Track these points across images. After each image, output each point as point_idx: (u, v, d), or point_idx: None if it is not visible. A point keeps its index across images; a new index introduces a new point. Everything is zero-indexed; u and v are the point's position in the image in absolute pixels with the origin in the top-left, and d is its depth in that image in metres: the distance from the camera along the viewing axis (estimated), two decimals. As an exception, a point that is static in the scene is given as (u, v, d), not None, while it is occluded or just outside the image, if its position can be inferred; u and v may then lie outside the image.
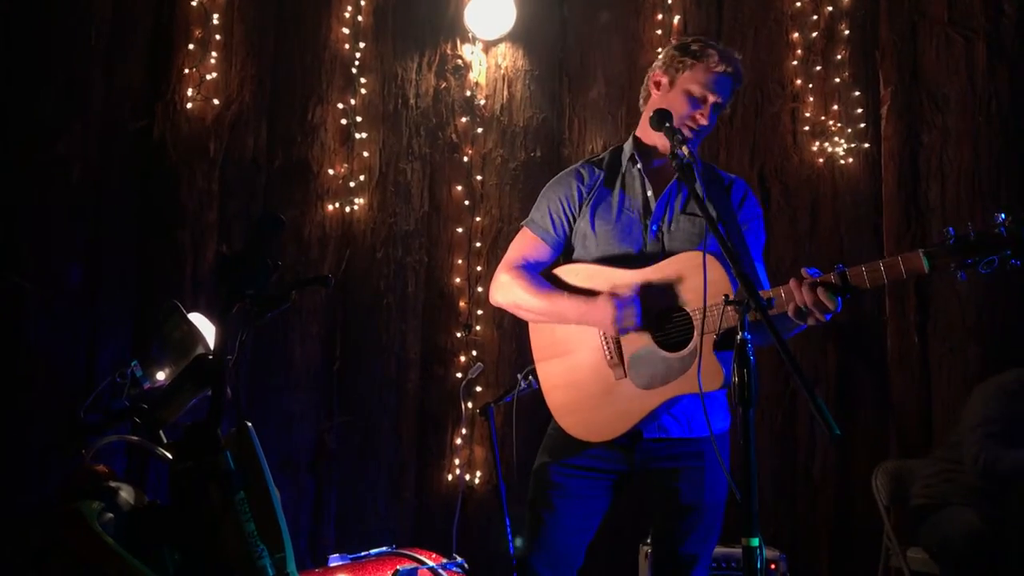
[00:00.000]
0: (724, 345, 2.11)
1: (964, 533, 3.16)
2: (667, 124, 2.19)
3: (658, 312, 2.23)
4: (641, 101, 2.49)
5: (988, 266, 1.82)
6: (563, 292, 2.34)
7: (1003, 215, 1.81)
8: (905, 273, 1.90)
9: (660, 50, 4.17)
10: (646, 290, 2.23)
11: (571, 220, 2.42)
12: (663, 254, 2.30)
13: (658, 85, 2.40)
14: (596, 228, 2.37)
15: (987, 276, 1.85)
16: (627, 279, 2.27)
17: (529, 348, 2.47)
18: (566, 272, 2.40)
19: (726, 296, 1.89)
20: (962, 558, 3.15)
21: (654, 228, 2.33)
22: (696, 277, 2.13)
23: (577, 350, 2.33)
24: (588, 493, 2.34)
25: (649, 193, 2.36)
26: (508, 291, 2.41)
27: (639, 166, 2.39)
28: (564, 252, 2.47)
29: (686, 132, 2.31)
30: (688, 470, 2.29)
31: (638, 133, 2.45)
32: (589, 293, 2.31)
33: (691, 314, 2.16)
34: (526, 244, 2.46)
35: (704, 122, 2.32)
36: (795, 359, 1.68)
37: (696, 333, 2.14)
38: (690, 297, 2.17)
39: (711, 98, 2.32)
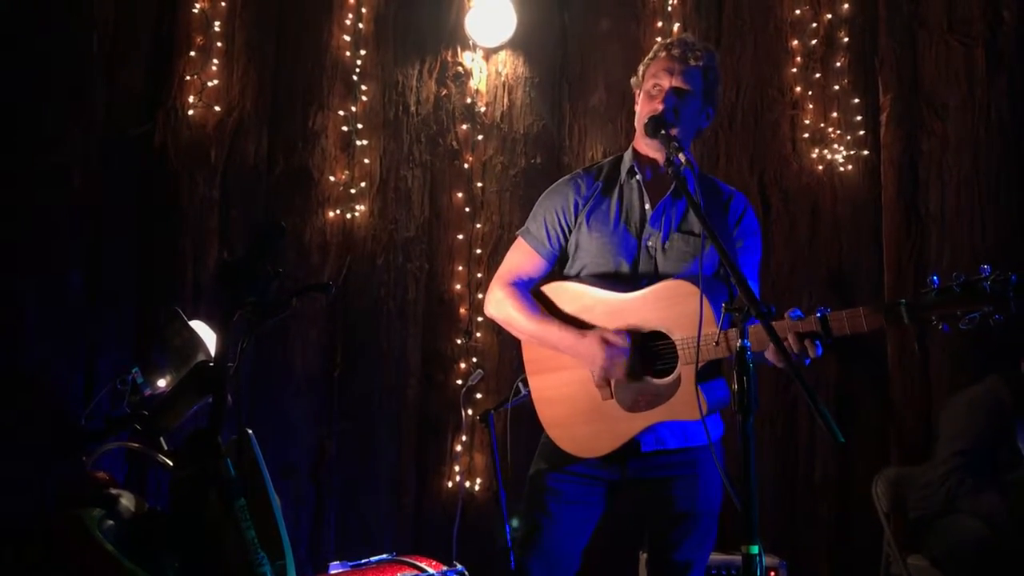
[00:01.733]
0: (705, 375, 2.14)
1: (973, 540, 3.14)
2: (662, 131, 2.21)
3: (643, 337, 2.23)
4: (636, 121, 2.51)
5: (970, 322, 1.81)
6: (555, 320, 2.34)
7: (988, 269, 1.80)
8: (886, 323, 1.91)
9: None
10: (633, 332, 2.23)
11: (567, 231, 2.42)
12: (655, 274, 2.31)
13: (636, 100, 2.46)
14: (592, 240, 2.38)
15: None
16: (613, 305, 2.28)
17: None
18: (556, 291, 2.41)
19: (726, 303, 1.89)
20: (972, 566, 3.14)
21: (647, 241, 2.34)
22: (682, 306, 2.15)
23: (566, 366, 2.34)
24: (584, 499, 2.35)
25: (647, 206, 2.36)
26: (502, 308, 2.43)
27: (638, 177, 2.39)
28: (560, 260, 2.48)
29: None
30: (682, 478, 2.30)
31: (635, 145, 2.46)
32: (580, 322, 2.31)
33: (676, 343, 2.17)
34: (521, 257, 2.47)
35: (659, 106, 2.31)
36: (798, 368, 1.68)
37: (681, 362, 2.16)
38: (673, 325, 2.18)
39: (665, 83, 2.34)
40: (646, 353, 2.24)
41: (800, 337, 1.94)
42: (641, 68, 2.45)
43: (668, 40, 2.45)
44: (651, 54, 2.43)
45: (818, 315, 1.95)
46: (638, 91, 2.45)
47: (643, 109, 2.37)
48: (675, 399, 2.17)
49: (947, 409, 3.47)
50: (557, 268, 2.49)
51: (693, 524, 2.28)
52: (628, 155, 2.45)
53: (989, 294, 1.78)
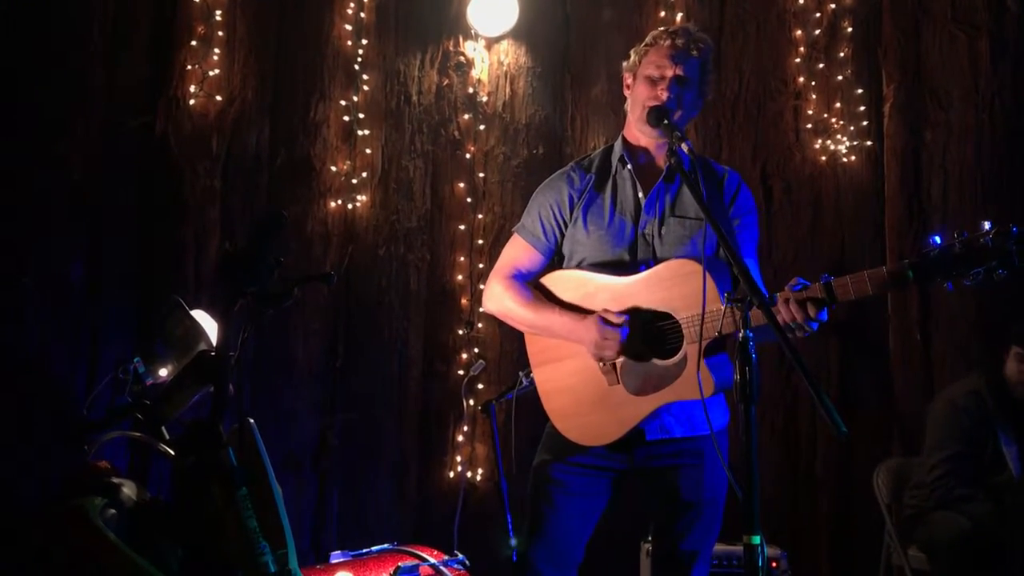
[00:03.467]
0: (713, 353, 2.12)
1: (951, 535, 3.21)
2: (665, 121, 2.20)
3: (646, 319, 2.23)
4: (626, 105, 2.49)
5: (974, 278, 1.79)
6: (553, 306, 2.34)
7: (989, 225, 1.78)
8: (891, 284, 1.89)
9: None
10: (635, 312, 2.22)
11: (562, 225, 2.42)
12: (653, 259, 2.31)
13: (628, 86, 2.44)
14: (588, 232, 2.37)
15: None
16: (616, 289, 2.28)
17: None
18: (556, 281, 2.40)
19: (729, 292, 1.88)
20: (953, 557, 3.20)
21: (644, 231, 2.33)
22: (685, 285, 2.14)
23: (571, 355, 2.34)
24: (588, 490, 2.35)
25: (640, 194, 2.36)
26: (499, 301, 2.43)
27: (629, 167, 2.39)
28: (556, 255, 2.48)
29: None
30: (688, 467, 2.29)
31: (625, 134, 2.45)
32: (578, 308, 2.31)
33: (680, 322, 2.16)
34: (517, 252, 2.47)
35: (664, 95, 2.30)
36: (800, 357, 1.67)
37: (686, 342, 2.15)
38: (678, 305, 2.17)
39: (668, 72, 2.32)
40: (651, 334, 2.23)
41: (801, 301, 1.93)
42: (635, 54, 2.42)
43: (670, 28, 2.42)
44: (650, 39, 2.39)
45: (822, 281, 1.94)
46: (630, 75, 2.42)
47: (642, 94, 2.34)
48: (681, 379, 2.16)
49: (932, 410, 3.51)
50: (555, 264, 2.49)
51: (699, 513, 2.28)
52: (618, 144, 2.44)
53: (992, 248, 1.77)
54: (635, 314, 2.22)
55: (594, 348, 2.24)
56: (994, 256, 1.77)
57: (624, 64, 2.46)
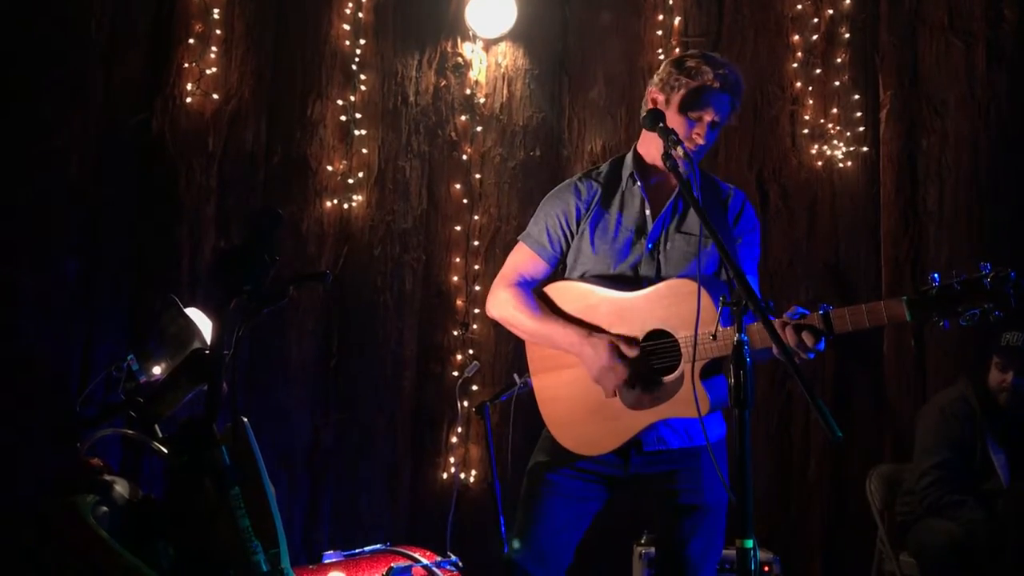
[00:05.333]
0: (709, 372, 2.14)
1: (942, 542, 3.22)
2: (660, 124, 2.16)
3: (646, 335, 2.24)
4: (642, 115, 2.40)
5: (970, 319, 1.82)
6: (558, 318, 2.35)
7: (988, 267, 1.81)
8: (887, 319, 1.91)
9: (660, 54, 4.24)
10: (641, 346, 2.23)
11: (568, 236, 2.42)
12: (657, 275, 2.31)
13: (655, 103, 2.34)
14: (594, 246, 2.38)
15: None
16: (618, 303, 2.28)
17: (525, 359, 2.48)
18: (559, 291, 2.41)
19: (724, 297, 1.88)
20: (942, 566, 3.22)
21: (649, 247, 2.33)
22: (684, 304, 2.15)
23: (570, 365, 2.34)
24: (581, 494, 2.35)
25: (648, 212, 2.36)
26: (504, 308, 2.43)
27: (639, 184, 2.38)
28: (561, 264, 2.48)
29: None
30: (686, 471, 2.30)
31: (639, 149, 2.43)
32: (584, 322, 2.31)
33: (679, 341, 2.18)
34: (523, 259, 2.47)
35: (700, 141, 2.29)
36: (797, 364, 1.67)
37: (683, 360, 2.16)
38: (676, 324, 2.18)
39: (707, 117, 2.28)
40: (650, 351, 2.24)
41: (799, 329, 1.94)
42: (671, 75, 2.31)
43: (717, 64, 2.30)
44: (693, 66, 2.28)
45: (820, 312, 1.95)
46: (661, 94, 2.33)
47: (674, 126, 2.22)
48: (678, 396, 2.17)
49: (922, 417, 3.54)
50: (559, 271, 2.49)
51: (701, 517, 2.27)
52: (629, 159, 2.43)
53: (989, 291, 1.79)
54: (642, 347, 2.23)
55: (597, 372, 2.24)
56: (991, 299, 1.80)
57: (655, 78, 2.37)
